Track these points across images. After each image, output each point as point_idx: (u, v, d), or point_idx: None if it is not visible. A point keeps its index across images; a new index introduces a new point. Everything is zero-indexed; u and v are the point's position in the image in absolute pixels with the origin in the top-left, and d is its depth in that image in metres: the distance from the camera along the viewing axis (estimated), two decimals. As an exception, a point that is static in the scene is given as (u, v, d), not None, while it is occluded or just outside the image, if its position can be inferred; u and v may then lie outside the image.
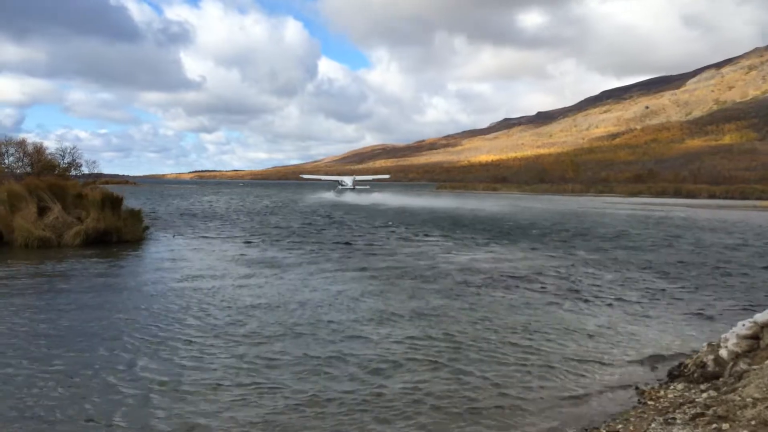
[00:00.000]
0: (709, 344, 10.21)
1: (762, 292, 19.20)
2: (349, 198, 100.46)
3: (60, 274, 20.44)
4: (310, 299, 16.68)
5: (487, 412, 9.03)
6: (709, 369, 9.55)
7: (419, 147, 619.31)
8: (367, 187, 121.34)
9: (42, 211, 28.84)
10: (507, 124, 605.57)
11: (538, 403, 9.41)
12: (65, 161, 39.00)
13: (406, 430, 8.40)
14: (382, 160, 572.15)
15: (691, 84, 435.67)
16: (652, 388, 9.85)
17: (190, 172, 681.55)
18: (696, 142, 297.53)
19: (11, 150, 37.55)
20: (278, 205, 76.92)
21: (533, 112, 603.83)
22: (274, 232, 37.98)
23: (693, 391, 9.06)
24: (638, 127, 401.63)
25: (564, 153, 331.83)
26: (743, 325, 9.66)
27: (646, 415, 8.28)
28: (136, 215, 32.23)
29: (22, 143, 38.16)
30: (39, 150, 38.30)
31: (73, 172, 38.80)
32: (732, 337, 9.70)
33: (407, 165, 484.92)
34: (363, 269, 22.50)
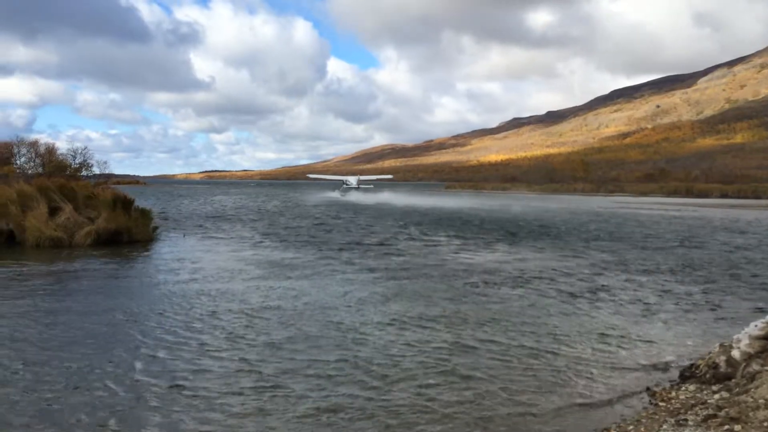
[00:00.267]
0: (721, 345, 10.12)
1: (775, 292, 19.03)
2: (356, 197, 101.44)
3: (71, 274, 20.58)
4: (318, 301, 16.67)
5: (498, 414, 8.99)
6: (721, 370, 9.47)
7: (428, 147, 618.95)
8: (371, 186, 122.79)
9: (53, 211, 29.06)
10: (516, 123, 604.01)
11: (549, 405, 9.35)
12: (76, 162, 39.26)
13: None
14: (391, 159, 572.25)
15: (702, 83, 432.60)
16: (664, 389, 9.78)
17: (199, 173, 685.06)
18: (708, 141, 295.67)
19: (23, 150, 37.89)
20: (287, 205, 77.08)
21: (543, 112, 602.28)
22: (283, 232, 38.05)
23: (705, 392, 8.98)
24: (649, 126, 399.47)
25: (574, 152, 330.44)
26: (756, 325, 9.58)
27: (657, 417, 8.22)
28: (146, 215, 32.40)
29: (34, 144, 38.55)
30: (51, 150, 38.65)
31: (84, 173, 39.04)
32: (744, 338, 9.62)
33: (416, 165, 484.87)
34: (372, 270, 22.49)
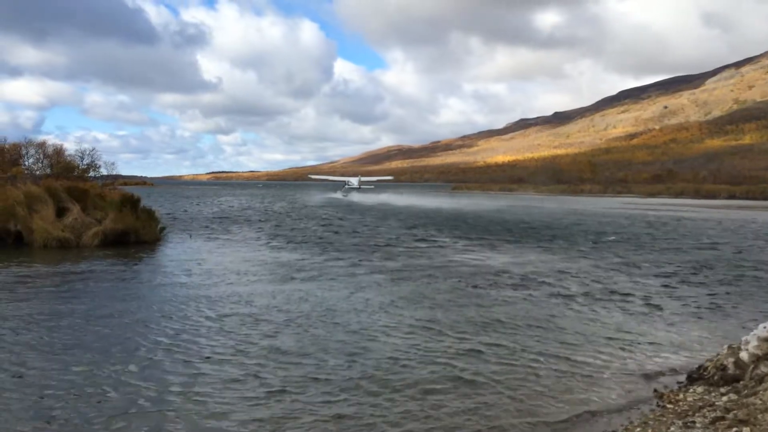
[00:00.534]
0: (730, 347, 10.05)
1: (784, 293, 18.89)
2: (358, 198, 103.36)
3: (77, 276, 20.64)
4: (323, 303, 16.65)
5: (504, 415, 8.97)
6: (730, 372, 9.40)
7: (435, 148, 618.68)
8: (372, 187, 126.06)
9: (61, 212, 29.19)
10: (523, 124, 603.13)
11: (556, 406, 9.32)
12: (84, 163, 39.37)
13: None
14: (398, 161, 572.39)
15: (710, 83, 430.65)
16: (671, 391, 9.72)
17: (206, 174, 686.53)
18: (715, 142, 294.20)
19: (31, 152, 38.05)
20: (293, 206, 77.20)
21: (550, 113, 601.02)
22: (290, 233, 38.10)
23: (713, 394, 8.92)
24: (657, 127, 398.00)
25: (581, 153, 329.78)
26: (764, 327, 9.50)
27: (665, 419, 8.17)
28: (153, 216, 32.51)
29: (42, 145, 38.67)
30: (58, 152, 38.78)
31: (91, 174, 39.12)
32: (753, 340, 9.55)
33: (423, 166, 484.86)
34: (377, 272, 22.50)
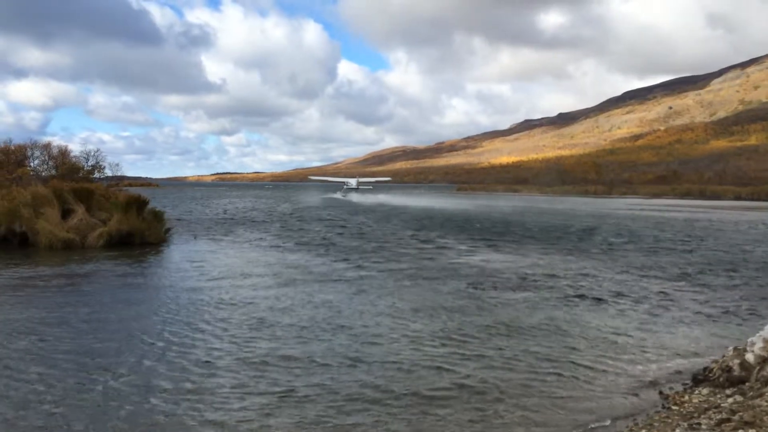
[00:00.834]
0: (735, 348, 10.01)
1: (790, 295, 18.80)
2: (358, 198, 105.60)
3: (81, 277, 20.72)
4: (328, 306, 16.60)
5: (510, 421, 8.95)
6: (735, 373, 9.36)
7: (439, 149, 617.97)
8: (370, 187, 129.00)
9: (66, 213, 29.28)
10: (528, 125, 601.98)
11: (562, 408, 9.30)
12: (89, 164, 39.48)
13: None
14: (402, 161, 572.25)
15: (715, 84, 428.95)
16: (677, 392, 9.68)
17: (211, 174, 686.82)
18: (721, 143, 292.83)
19: (37, 153, 38.14)
20: (297, 207, 77.26)
21: (554, 113, 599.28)
22: (294, 235, 38.12)
23: (718, 395, 8.88)
24: (662, 127, 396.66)
25: (586, 154, 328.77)
26: (770, 328, 9.46)
27: (670, 420, 8.13)
28: (158, 217, 32.58)
29: (47, 146, 38.76)
30: (63, 153, 38.87)
31: (96, 175, 39.25)
32: (758, 341, 9.51)
33: (427, 167, 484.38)
34: (383, 274, 22.52)
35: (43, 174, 36.73)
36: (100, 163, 39.99)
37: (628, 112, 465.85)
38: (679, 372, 10.98)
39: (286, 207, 78.50)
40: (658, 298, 18.10)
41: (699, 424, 7.53)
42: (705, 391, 9.34)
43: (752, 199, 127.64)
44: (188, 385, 9.99)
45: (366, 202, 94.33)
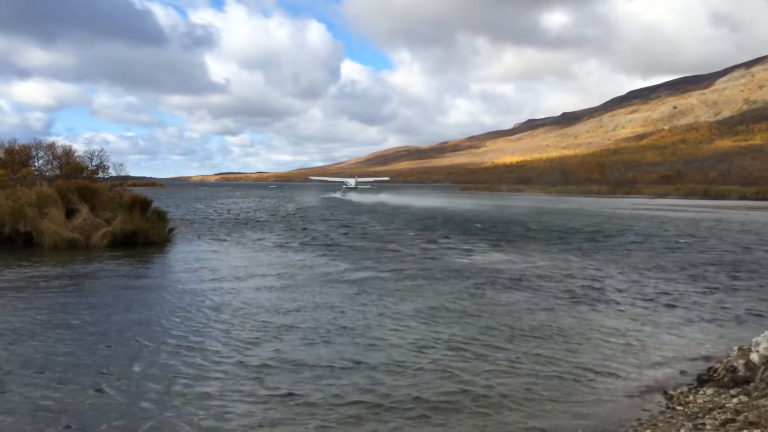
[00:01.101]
0: (740, 348, 9.98)
1: (795, 295, 18.73)
2: (357, 198, 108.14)
3: (85, 277, 20.75)
4: (332, 308, 16.56)
5: (515, 413, 8.93)
6: (740, 373, 9.33)
7: (443, 148, 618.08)
8: (368, 187, 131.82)
9: (71, 213, 29.35)
10: (531, 125, 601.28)
11: (566, 408, 9.27)
12: (93, 164, 39.53)
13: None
14: (406, 161, 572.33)
15: (720, 83, 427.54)
16: (681, 392, 9.65)
17: (215, 174, 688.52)
18: (725, 143, 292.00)
19: (41, 153, 38.22)
20: (300, 207, 77.32)
21: (558, 113, 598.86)
22: (298, 235, 38.13)
23: (723, 396, 8.85)
24: (666, 127, 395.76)
25: (590, 154, 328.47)
26: (775, 328, 9.42)
27: (674, 421, 8.10)
28: (162, 217, 32.63)
29: (51, 146, 38.80)
30: (68, 153, 38.90)
31: (101, 175, 39.29)
32: (763, 341, 9.48)
33: (431, 167, 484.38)
34: (388, 272, 22.50)
35: (48, 174, 36.79)
36: (105, 163, 40.01)
37: (632, 112, 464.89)
38: (683, 372, 10.94)
39: (288, 207, 78.57)
40: (662, 298, 18.05)
41: (703, 424, 7.51)
42: (710, 391, 9.31)
43: (757, 199, 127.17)
44: (189, 388, 9.95)
45: (367, 201, 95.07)
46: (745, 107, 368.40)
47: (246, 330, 13.61)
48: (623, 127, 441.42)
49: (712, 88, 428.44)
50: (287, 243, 32.56)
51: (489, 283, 20.14)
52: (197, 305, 16.09)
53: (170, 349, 12.06)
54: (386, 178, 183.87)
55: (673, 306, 16.85)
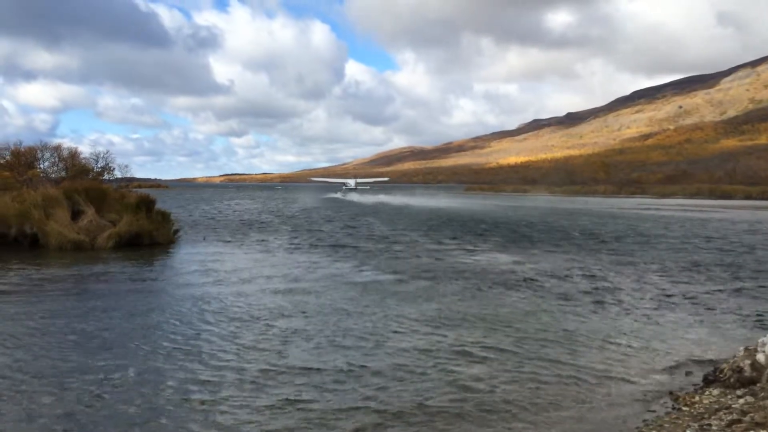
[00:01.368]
0: (746, 349, 9.94)
1: (801, 295, 18.65)
2: (357, 198, 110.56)
3: (90, 279, 20.81)
4: (337, 311, 16.54)
5: (521, 417, 8.92)
6: (746, 374, 9.29)
7: (447, 149, 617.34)
8: (368, 188, 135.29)
9: (76, 214, 29.45)
10: (536, 125, 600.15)
11: (571, 410, 9.25)
12: (99, 165, 39.67)
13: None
14: (410, 162, 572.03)
15: (725, 83, 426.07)
16: (687, 393, 9.62)
17: (220, 176, 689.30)
18: (731, 142, 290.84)
19: (47, 155, 38.35)
20: (304, 208, 77.37)
21: (562, 113, 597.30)
22: (303, 236, 38.19)
23: (729, 396, 8.82)
24: (671, 127, 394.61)
25: (594, 154, 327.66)
26: (782, 329, 9.38)
27: (680, 421, 8.08)
28: (167, 218, 32.71)
29: (57, 148, 38.94)
30: (73, 155, 39.03)
31: (106, 176, 39.42)
32: (770, 342, 9.43)
33: (435, 167, 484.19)
34: (393, 273, 22.51)
35: (53, 176, 36.92)
36: (110, 165, 40.16)
37: (637, 112, 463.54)
38: (689, 373, 10.91)
39: (292, 208, 78.65)
40: (667, 299, 18.00)
41: (709, 425, 7.48)
42: (716, 391, 9.27)
43: (763, 199, 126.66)
44: (190, 391, 9.93)
45: (368, 202, 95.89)
46: (750, 107, 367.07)
47: (250, 334, 13.58)
48: (628, 127, 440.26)
49: (718, 87, 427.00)
50: (292, 244, 32.60)
51: (492, 284, 20.13)
52: (201, 309, 16.10)
53: (173, 354, 12.01)
54: (386, 179, 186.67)
55: (679, 306, 16.80)
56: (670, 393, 9.76)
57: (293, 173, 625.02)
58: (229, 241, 33.71)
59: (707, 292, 18.97)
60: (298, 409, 9.14)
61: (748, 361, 9.42)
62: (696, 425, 7.60)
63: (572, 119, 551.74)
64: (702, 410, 8.45)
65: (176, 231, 33.67)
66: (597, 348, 12.54)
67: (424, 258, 26.78)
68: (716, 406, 8.39)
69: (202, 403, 9.34)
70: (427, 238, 36.64)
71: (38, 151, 38.14)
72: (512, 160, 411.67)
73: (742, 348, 10.17)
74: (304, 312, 15.64)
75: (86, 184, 32.09)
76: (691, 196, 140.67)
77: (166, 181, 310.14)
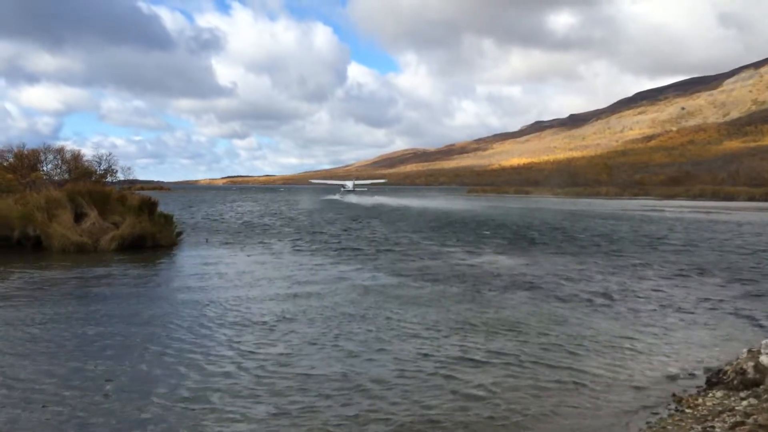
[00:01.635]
0: (749, 351, 9.91)
1: (805, 296, 18.59)
2: (356, 200, 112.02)
3: (92, 281, 20.83)
4: (339, 315, 16.40)
5: (524, 420, 8.90)
6: (749, 376, 9.26)
7: (450, 151, 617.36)
8: (365, 189, 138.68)
9: (79, 216, 29.50)
10: (538, 126, 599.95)
11: (574, 413, 9.24)
12: (101, 168, 39.83)
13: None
14: (413, 164, 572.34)
15: (728, 84, 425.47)
16: (690, 395, 9.59)
17: (222, 178, 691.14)
18: (734, 144, 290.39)
19: (50, 157, 38.50)
20: (305, 210, 77.38)
21: (565, 115, 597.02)
22: (307, 238, 38.22)
23: (732, 398, 8.79)
24: (674, 128, 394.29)
25: (597, 155, 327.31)
26: (785, 330, 9.35)
27: (683, 423, 8.06)
28: (169, 221, 32.77)
29: (60, 150, 39.12)
30: (76, 157, 39.19)
31: (109, 179, 39.58)
32: (773, 344, 9.40)
33: (438, 169, 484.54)
34: (393, 275, 22.50)
35: (56, 178, 37.03)
36: (113, 167, 40.35)
37: (639, 113, 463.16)
38: (692, 375, 10.89)
39: (294, 209, 78.65)
40: (670, 300, 17.96)
41: (713, 427, 7.46)
42: (719, 393, 9.25)
43: (766, 200, 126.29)
44: (190, 399, 9.84)
45: (368, 203, 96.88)
46: (753, 108, 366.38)
47: (252, 338, 13.54)
48: (631, 129, 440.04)
49: (720, 88, 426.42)
50: (294, 247, 32.60)
51: (494, 287, 20.10)
52: (203, 312, 16.09)
53: (174, 359, 11.90)
54: (383, 180, 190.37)
55: (682, 308, 16.75)
56: (673, 395, 9.73)
57: (296, 175, 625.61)
58: (231, 243, 33.73)
59: (711, 295, 18.91)
60: (301, 417, 9.11)
61: (751, 363, 9.39)
62: (699, 427, 7.58)
63: (575, 121, 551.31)
64: (705, 412, 8.43)
65: (179, 233, 33.72)
66: (600, 350, 12.51)
67: (427, 260, 26.74)
68: (719, 408, 8.37)
69: (204, 410, 9.32)
70: (429, 240, 36.59)
71: (41, 154, 38.33)
72: (515, 161, 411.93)
73: (745, 350, 10.15)
74: (306, 316, 15.62)
75: (89, 186, 32.15)
76: (694, 197, 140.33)
77: (168, 183, 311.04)
